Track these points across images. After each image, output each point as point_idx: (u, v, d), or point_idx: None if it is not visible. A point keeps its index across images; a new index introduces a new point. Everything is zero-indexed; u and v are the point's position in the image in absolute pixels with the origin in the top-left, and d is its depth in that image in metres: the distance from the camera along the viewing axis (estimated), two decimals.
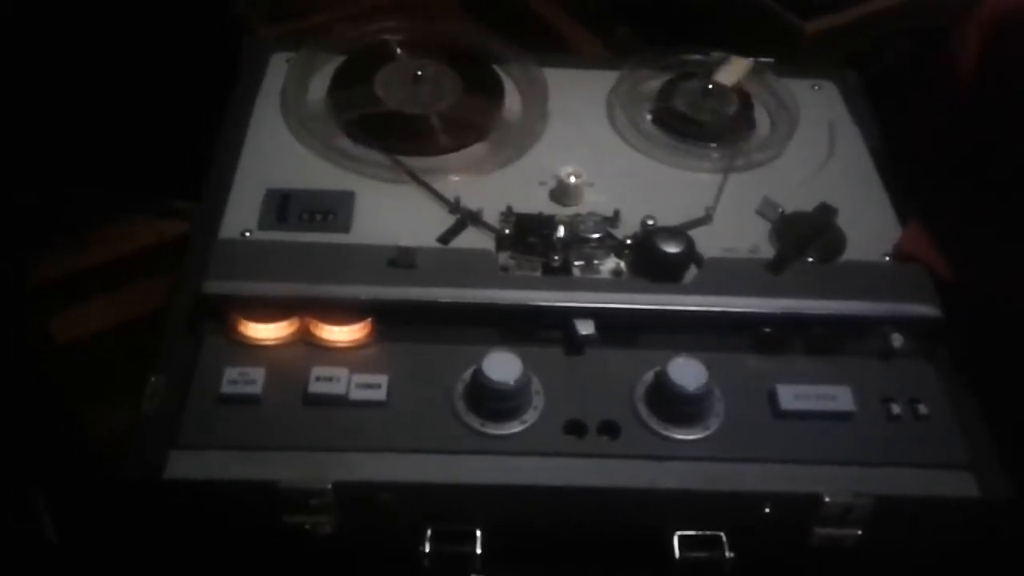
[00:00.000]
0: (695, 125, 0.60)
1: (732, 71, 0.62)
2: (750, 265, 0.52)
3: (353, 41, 0.64)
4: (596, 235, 0.52)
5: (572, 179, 0.55)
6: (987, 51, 0.55)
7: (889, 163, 0.60)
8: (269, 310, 0.48)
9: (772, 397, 0.48)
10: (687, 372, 0.46)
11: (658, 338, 0.49)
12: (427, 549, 0.45)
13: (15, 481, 0.58)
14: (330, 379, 0.46)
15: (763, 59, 0.65)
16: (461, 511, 0.45)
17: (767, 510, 0.45)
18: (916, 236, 0.54)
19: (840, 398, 0.48)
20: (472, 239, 0.52)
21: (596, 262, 0.52)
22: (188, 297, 0.49)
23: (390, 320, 0.48)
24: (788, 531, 0.46)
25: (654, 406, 0.47)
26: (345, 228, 0.52)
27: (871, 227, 0.55)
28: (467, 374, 0.47)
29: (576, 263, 0.52)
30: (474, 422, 0.46)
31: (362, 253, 0.50)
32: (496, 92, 0.62)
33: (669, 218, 0.54)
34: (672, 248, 0.51)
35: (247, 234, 0.52)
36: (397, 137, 0.57)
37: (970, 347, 0.51)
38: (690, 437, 0.46)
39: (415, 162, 0.56)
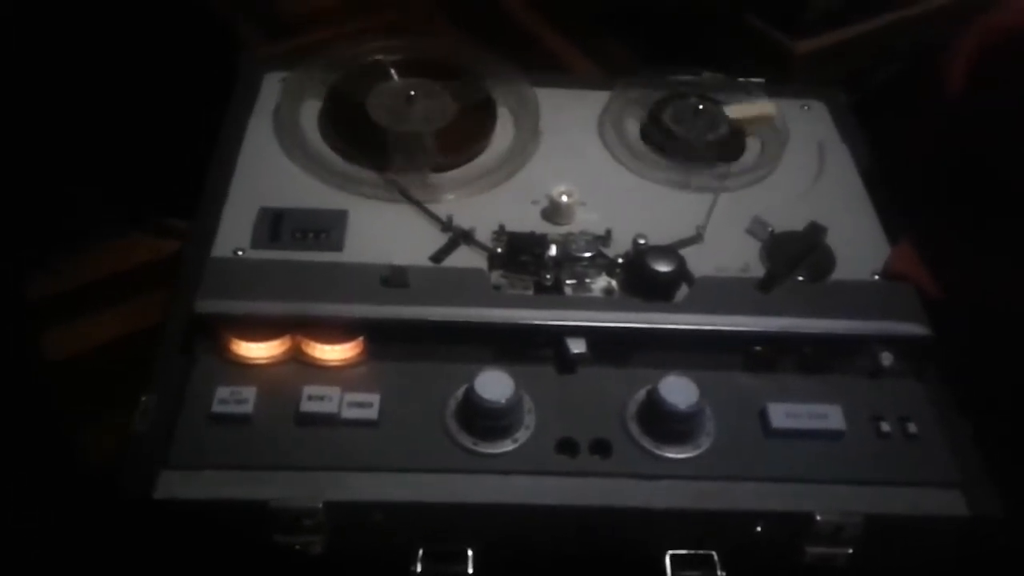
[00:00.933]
0: (686, 144, 0.61)
1: (745, 109, 0.63)
2: (741, 284, 0.52)
3: (347, 60, 0.64)
4: (588, 254, 0.53)
5: (564, 198, 0.55)
6: (977, 68, 0.55)
7: (878, 182, 0.60)
8: (261, 329, 0.48)
9: (763, 415, 0.48)
10: (678, 391, 0.46)
11: (649, 356, 0.49)
12: (419, 569, 0.45)
13: (8, 496, 0.58)
14: (322, 398, 0.46)
15: (753, 79, 0.66)
16: (453, 530, 0.45)
17: (758, 529, 0.46)
18: (905, 255, 0.54)
19: (830, 416, 0.48)
20: (464, 258, 0.53)
21: (588, 281, 0.52)
22: (180, 315, 0.49)
23: (382, 339, 0.49)
24: (780, 550, 0.46)
25: (646, 425, 0.47)
26: (338, 247, 0.52)
27: (860, 246, 0.55)
28: (459, 393, 0.47)
29: (568, 282, 0.52)
30: (466, 441, 0.46)
31: (355, 272, 0.50)
32: (489, 111, 0.62)
33: (660, 237, 0.54)
34: (663, 267, 0.51)
35: (240, 252, 0.52)
36: (390, 156, 0.58)
37: (959, 365, 0.51)
38: (681, 456, 0.46)
39: (408, 181, 0.56)
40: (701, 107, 0.63)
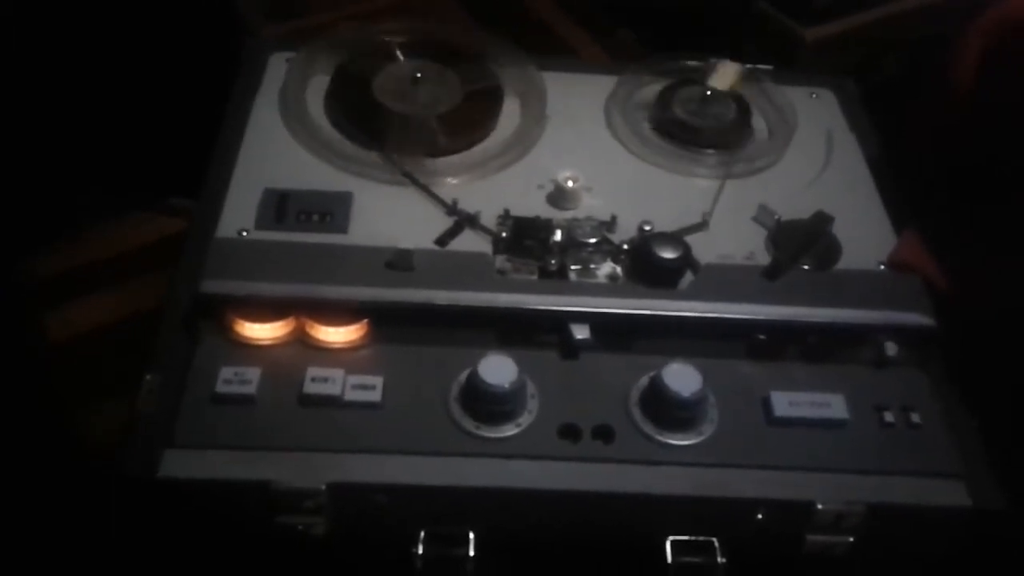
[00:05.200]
0: (693, 131, 0.60)
1: (724, 76, 0.62)
2: (746, 272, 0.52)
3: (353, 42, 0.64)
4: (593, 239, 0.52)
5: (570, 183, 0.55)
6: (987, 60, 0.55)
7: (886, 172, 0.60)
8: (265, 310, 0.48)
9: (766, 404, 0.48)
10: (682, 378, 0.46)
11: (653, 343, 0.49)
12: (420, 551, 0.45)
13: (9, 477, 0.58)
14: (325, 380, 0.46)
15: (762, 66, 0.65)
16: (454, 513, 0.45)
17: (759, 516, 0.46)
18: (911, 245, 0.54)
19: (834, 406, 0.48)
20: (469, 242, 0.53)
21: (592, 266, 0.52)
22: (184, 296, 0.49)
23: (386, 321, 0.49)
24: (780, 538, 0.46)
25: (648, 411, 0.47)
26: (342, 229, 0.52)
27: (866, 235, 0.55)
28: (462, 376, 0.47)
29: (572, 267, 0.52)
30: (469, 425, 0.46)
31: (359, 254, 0.50)
32: (495, 95, 0.62)
33: (666, 224, 0.54)
34: (668, 254, 0.51)
35: (244, 233, 0.51)
36: (396, 139, 0.57)
37: (964, 356, 0.51)
38: (684, 442, 0.46)
39: (413, 164, 0.56)
40: (709, 94, 0.62)
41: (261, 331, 0.48)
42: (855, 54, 0.80)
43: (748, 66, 0.65)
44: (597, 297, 0.50)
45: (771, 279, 0.51)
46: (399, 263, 0.49)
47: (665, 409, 0.46)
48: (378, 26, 0.65)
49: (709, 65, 0.64)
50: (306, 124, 0.58)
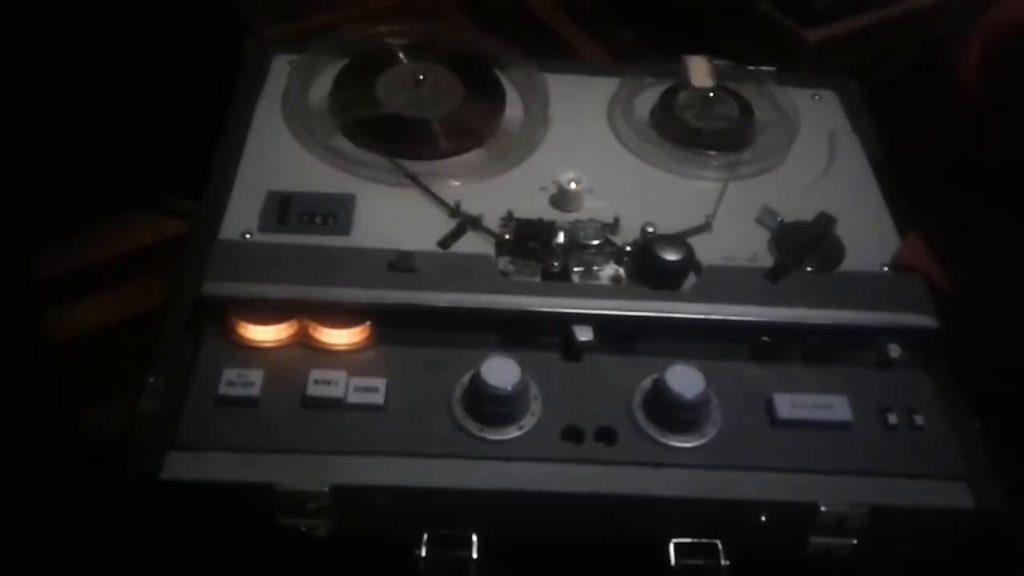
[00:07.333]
0: (696, 133, 0.60)
1: (698, 72, 0.61)
2: (749, 273, 0.52)
3: (356, 44, 0.64)
4: (596, 241, 0.52)
5: (572, 185, 0.55)
6: (989, 61, 0.55)
7: (889, 173, 0.60)
8: (268, 312, 0.48)
9: (769, 406, 0.48)
10: (685, 380, 0.46)
11: (656, 345, 0.49)
12: (423, 553, 0.45)
13: (13, 476, 0.58)
14: (328, 382, 0.46)
15: (764, 67, 0.65)
16: (457, 516, 0.45)
17: (763, 518, 0.46)
18: (914, 247, 0.54)
19: (837, 407, 0.48)
20: (472, 244, 0.53)
21: (595, 268, 0.52)
22: (187, 298, 0.49)
23: (389, 324, 0.49)
24: (783, 540, 0.46)
25: (651, 413, 0.47)
26: (345, 231, 0.52)
27: (870, 237, 0.55)
28: (465, 379, 0.47)
29: (575, 269, 0.52)
30: (472, 427, 0.46)
31: (362, 256, 0.50)
32: (498, 97, 0.62)
33: (669, 225, 0.54)
34: (671, 255, 0.51)
35: (247, 235, 0.52)
36: (398, 141, 0.57)
37: (967, 358, 0.51)
38: (687, 445, 0.46)
39: (416, 166, 0.56)
40: (711, 95, 0.62)
41: (264, 333, 0.48)
42: (857, 55, 0.80)
43: (751, 67, 0.65)
44: (600, 299, 0.49)
45: (774, 281, 0.51)
46: (402, 265, 0.49)
47: (668, 411, 0.46)
48: (381, 28, 0.65)
49: (682, 67, 0.64)
50: (309, 126, 0.58)
